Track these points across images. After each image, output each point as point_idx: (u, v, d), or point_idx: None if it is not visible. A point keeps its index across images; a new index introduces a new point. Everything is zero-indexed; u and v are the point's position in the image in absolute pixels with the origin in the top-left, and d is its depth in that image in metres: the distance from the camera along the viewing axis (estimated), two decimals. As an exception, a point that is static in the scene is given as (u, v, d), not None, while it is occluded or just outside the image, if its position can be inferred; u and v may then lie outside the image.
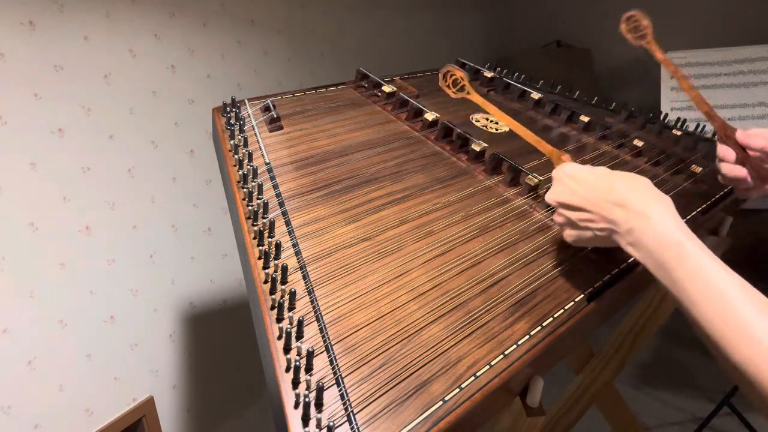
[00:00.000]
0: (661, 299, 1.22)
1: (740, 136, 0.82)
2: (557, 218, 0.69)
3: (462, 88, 0.91)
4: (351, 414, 0.52)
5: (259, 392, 2.05)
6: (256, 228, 0.73)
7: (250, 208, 0.78)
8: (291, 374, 0.55)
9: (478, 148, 0.95)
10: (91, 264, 1.41)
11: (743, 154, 0.80)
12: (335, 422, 0.52)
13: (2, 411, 1.26)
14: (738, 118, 1.53)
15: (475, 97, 0.89)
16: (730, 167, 0.81)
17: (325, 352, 0.59)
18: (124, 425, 1.55)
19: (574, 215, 0.66)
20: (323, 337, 0.60)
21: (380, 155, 0.96)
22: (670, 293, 0.55)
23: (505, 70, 1.37)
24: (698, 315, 0.51)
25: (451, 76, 0.92)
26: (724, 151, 0.82)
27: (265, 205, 0.79)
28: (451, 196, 0.86)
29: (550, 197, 0.69)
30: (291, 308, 0.63)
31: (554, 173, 0.70)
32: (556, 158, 0.76)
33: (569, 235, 0.68)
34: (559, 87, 1.35)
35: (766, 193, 0.82)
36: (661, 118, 1.30)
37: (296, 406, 0.53)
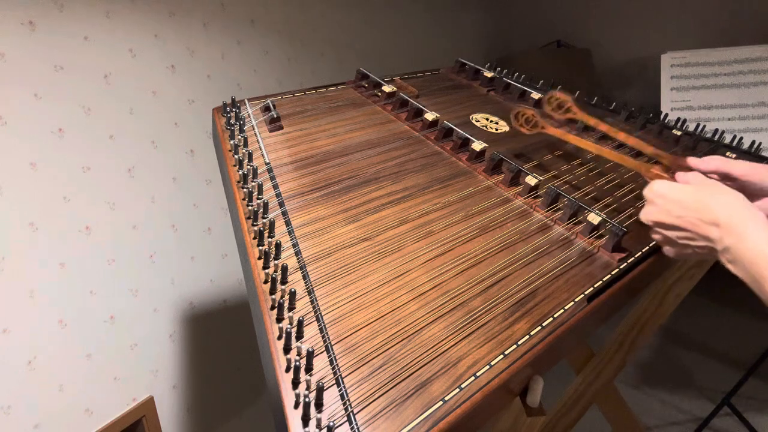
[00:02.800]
0: (661, 299, 1.22)
1: (692, 162, 0.82)
2: (655, 236, 0.71)
3: (536, 125, 0.93)
4: (351, 414, 0.52)
5: (259, 392, 2.05)
6: (256, 228, 0.73)
7: (250, 208, 0.78)
8: (291, 374, 0.55)
9: (478, 148, 0.95)
10: (91, 264, 1.41)
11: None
12: (335, 422, 0.52)
13: (2, 411, 1.26)
14: (738, 118, 1.53)
15: (552, 131, 0.92)
16: None
17: (325, 352, 0.59)
18: (124, 425, 1.55)
19: (671, 234, 0.67)
20: (323, 337, 0.60)
21: (380, 155, 0.96)
22: None
23: (505, 70, 1.37)
24: None
25: (523, 115, 0.95)
26: (681, 176, 0.84)
27: (265, 205, 0.79)
28: (451, 196, 0.86)
29: (645, 217, 0.70)
30: (291, 308, 0.63)
31: (645, 192, 0.70)
32: (645, 171, 0.78)
33: (671, 251, 0.70)
34: (559, 87, 1.35)
35: None
36: (661, 118, 1.30)
37: (296, 406, 0.53)
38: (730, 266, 0.61)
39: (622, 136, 0.89)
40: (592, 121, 0.91)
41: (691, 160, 0.83)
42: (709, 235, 0.62)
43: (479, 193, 0.88)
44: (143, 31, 1.44)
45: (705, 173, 0.82)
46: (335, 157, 0.94)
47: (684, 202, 0.65)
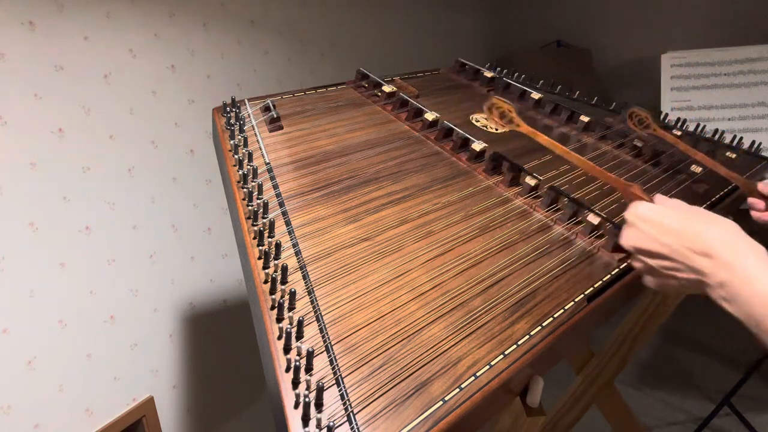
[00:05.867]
0: (661, 299, 1.22)
1: (761, 187, 0.85)
2: (636, 264, 0.65)
3: (510, 120, 0.89)
4: (351, 414, 0.52)
5: (259, 392, 2.05)
6: (256, 228, 0.73)
7: (250, 208, 0.78)
8: (291, 374, 0.55)
9: (478, 148, 0.95)
10: (91, 264, 1.41)
11: None
12: (335, 422, 0.51)
13: (2, 411, 1.26)
14: (738, 118, 1.53)
15: (525, 129, 0.88)
16: (758, 215, 0.85)
17: (325, 352, 0.59)
18: (124, 425, 1.55)
19: (654, 263, 0.61)
20: (323, 337, 0.60)
21: (380, 155, 0.96)
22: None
23: (505, 70, 1.37)
24: None
25: (498, 108, 0.90)
26: (752, 201, 0.87)
27: (265, 205, 0.79)
28: (451, 196, 0.86)
29: (626, 242, 0.64)
30: (291, 308, 0.63)
31: (626, 215, 0.64)
32: (623, 189, 0.72)
33: (651, 282, 0.64)
34: (559, 87, 1.35)
35: None
36: (661, 118, 1.30)
37: (296, 406, 0.53)
38: (723, 303, 0.54)
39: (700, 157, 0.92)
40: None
41: (761, 185, 0.84)
42: (699, 267, 0.56)
43: (479, 193, 0.88)
44: (143, 31, 1.44)
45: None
46: (335, 157, 0.94)
47: (672, 228, 0.59)
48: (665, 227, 0.60)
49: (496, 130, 1.09)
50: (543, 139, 0.85)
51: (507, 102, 0.89)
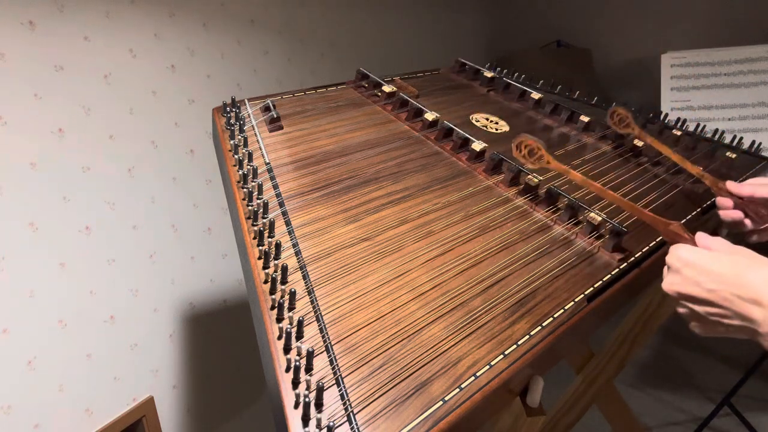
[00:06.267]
0: (661, 299, 1.22)
1: (730, 186, 0.84)
2: (681, 310, 0.62)
3: (540, 158, 0.87)
4: (351, 414, 0.52)
5: (259, 392, 2.05)
6: (256, 228, 0.73)
7: (250, 208, 0.78)
8: (291, 374, 0.55)
9: (478, 148, 0.95)
10: (91, 264, 1.41)
11: (741, 201, 0.84)
12: (335, 422, 0.52)
13: (2, 411, 1.26)
14: (738, 118, 1.53)
15: (555, 165, 0.86)
16: (726, 212, 0.84)
17: (325, 352, 0.59)
18: (124, 425, 1.55)
19: (701, 309, 0.58)
20: (323, 337, 0.60)
21: (380, 155, 0.96)
22: None
23: (505, 70, 1.37)
24: None
25: (526, 146, 0.88)
26: (721, 200, 0.85)
27: (265, 205, 0.79)
28: (451, 196, 0.86)
29: (670, 288, 0.61)
30: (291, 308, 0.63)
31: (668, 259, 0.62)
32: (662, 229, 0.69)
33: (697, 327, 0.61)
34: (559, 87, 1.35)
35: None
36: (661, 118, 1.30)
37: (296, 406, 0.53)
38: None
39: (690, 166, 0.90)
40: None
41: (730, 184, 0.83)
42: (749, 315, 0.54)
43: (479, 193, 0.88)
44: (143, 31, 1.44)
45: (742, 197, 0.81)
46: (335, 157, 0.94)
47: (717, 274, 0.56)
48: (710, 272, 0.57)
49: (496, 130, 1.09)
50: (576, 176, 0.83)
51: (535, 139, 0.87)
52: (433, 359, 0.59)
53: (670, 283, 0.61)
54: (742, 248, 0.59)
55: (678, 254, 0.61)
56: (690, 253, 0.60)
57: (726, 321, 0.56)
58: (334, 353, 0.58)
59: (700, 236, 0.63)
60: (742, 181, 0.85)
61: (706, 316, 0.58)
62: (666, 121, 1.29)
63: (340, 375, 0.56)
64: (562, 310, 0.67)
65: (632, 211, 0.77)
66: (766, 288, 0.53)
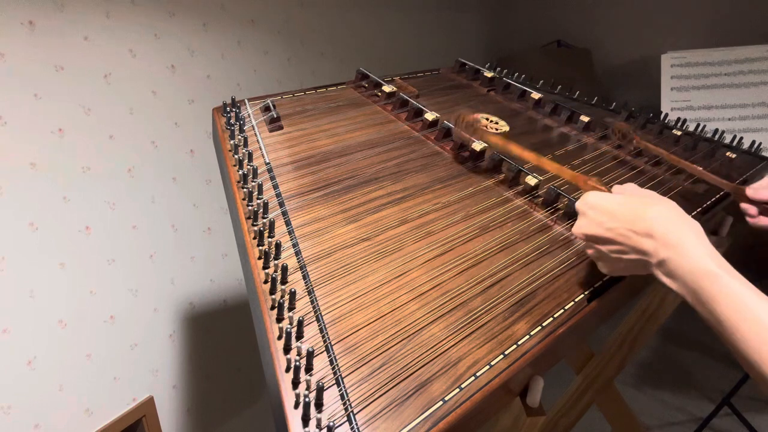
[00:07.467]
0: (661, 299, 1.22)
1: (748, 192, 0.85)
2: (588, 251, 0.67)
3: (476, 131, 0.92)
4: (351, 414, 0.52)
5: (259, 392, 2.05)
6: (256, 228, 0.73)
7: (250, 208, 0.78)
8: (291, 374, 0.55)
9: (478, 148, 0.95)
10: (91, 264, 1.41)
11: (762, 206, 0.85)
12: (335, 422, 0.51)
13: (2, 411, 1.26)
14: (738, 118, 1.53)
15: (493, 138, 0.90)
16: (755, 221, 0.85)
17: (325, 352, 0.59)
18: (124, 425, 1.55)
19: (603, 248, 0.63)
20: (323, 337, 0.60)
21: (380, 155, 0.96)
22: (707, 322, 0.54)
23: (505, 70, 1.37)
24: (738, 341, 0.50)
25: (463, 120, 0.92)
26: (745, 207, 0.86)
27: (265, 205, 0.79)
28: (451, 196, 0.86)
29: (577, 230, 0.66)
30: (291, 308, 0.63)
31: (577, 205, 0.67)
32: (582, 183, 0.74)
33: (603, 267, 0.66)
34: (559, 87, 1.35)
35: None
36: (661, 118, 1.30)
37: (296, 406, 0.53)
38: (666, 280, 0.57)
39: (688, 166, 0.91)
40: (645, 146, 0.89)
41: (748, 190, 0.84)
42: (642, 248, 0.58)
43: (479, 193, 0.88)
44: (143, 31, 1.44)
45: (759, 201, 0.82)
46: (335, 157, 0.94)
47: (615, 212, 0.61)
48: (610, 212, 0.61)
49: (496, 131, 1.09)
50: (513, 147, 0.86)
51: (471, 113, 0.92)
52: (433, 359, 0.59)
53: (578, 226, 0.66)
54: (648, 191, 0.64)
55: (586, 200, 0.65)
56: (595, 197, 0.64)
57: (625, 257, 0.61)
58: (334, 353, 0.58)
59: (616, 187, 0.68)
60: (742, 180, 0.85)
61: (608, 254, 0.63)
62: (666, 121, 1.29)
63: (340, 375, 0.56)
64: (562, 310, 0.67)
65: (555, 170, 0.81)
66: (657, 222, 0.57)
